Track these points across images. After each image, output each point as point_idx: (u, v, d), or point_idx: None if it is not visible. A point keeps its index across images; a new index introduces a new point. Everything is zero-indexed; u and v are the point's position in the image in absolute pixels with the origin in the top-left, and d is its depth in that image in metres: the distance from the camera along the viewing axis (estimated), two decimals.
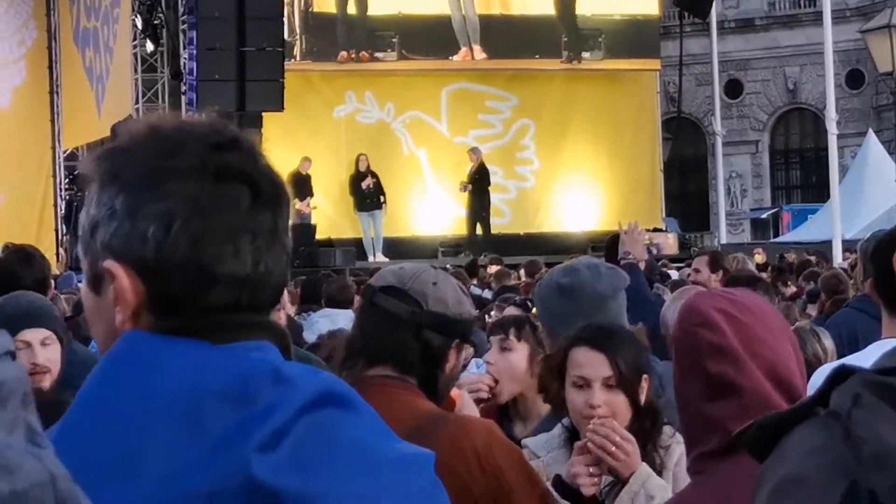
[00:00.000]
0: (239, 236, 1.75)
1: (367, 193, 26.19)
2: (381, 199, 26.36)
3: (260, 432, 1.62)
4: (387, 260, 23.82)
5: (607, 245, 9.20)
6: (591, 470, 3.79)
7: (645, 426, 4.02)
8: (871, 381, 1.62)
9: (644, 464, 3.82)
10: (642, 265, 8.43)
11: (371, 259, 25.28)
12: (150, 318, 1.75)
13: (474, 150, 27.36)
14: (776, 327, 2.90)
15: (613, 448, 3.78)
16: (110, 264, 1.75)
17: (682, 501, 3.05)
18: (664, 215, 31.43)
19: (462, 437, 3.28)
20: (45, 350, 4.87)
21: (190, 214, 1.73)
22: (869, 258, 4.81)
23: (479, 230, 27.06)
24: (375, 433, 1.71)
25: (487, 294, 14.01)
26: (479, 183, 26.94)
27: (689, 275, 11.51)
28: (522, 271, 16.75)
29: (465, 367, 3.80)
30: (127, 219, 1.74)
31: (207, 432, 1.63)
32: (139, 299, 1.75)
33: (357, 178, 26.34)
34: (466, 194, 27.03)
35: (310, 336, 8.28)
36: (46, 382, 4.82)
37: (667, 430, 4.07)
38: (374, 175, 26.31)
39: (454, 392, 3.66)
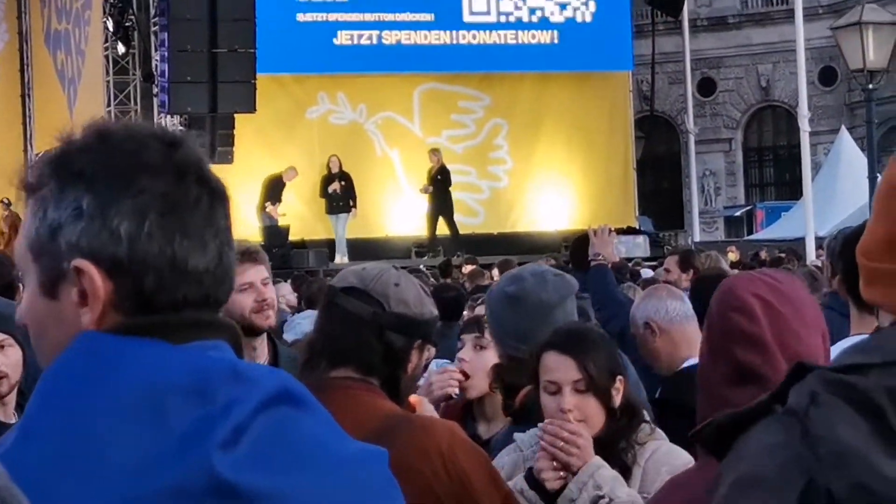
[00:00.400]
0: (205, 231, 1.77)
1: (335, 197, 26.04)
2: (351, 202, 26.13)
3: (222, 429, 1.62)
4: (347, 262, 23.73)
5: (573, 246, 9.18)
6: (554, 465, 3.81)
7: (620, 426, 4.03)
8: (828, 379, 1.63)
9: (597, 456, 3.84)
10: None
11: (337, 260, 25.16)
12: (115, 316, 1.74)
13: (434, 152, 27.15)
14: (810, 319, 2.88)
15: (562, 443, 3.81)
16: (80, 262, 1.73)
17: (685, 482, 3.03)
18: (637, 214, 31.45)
19: (426, 439, 3.28)
20: (1, 354, 4.79)
21: (162, 210, 1.74)
22: (837, 255, 4.82)
23: (443, 231, 26.76)
24: (330, 431, 1.73)
25: None
26: (440, 184, 26.71)
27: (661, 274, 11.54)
28: (496, 271, 16.75)
29: (426, 367, 3.80)
30: (97, 217, 1.73)
31: (171, 427, 1.63)
32: (107, 298, 1.74)
33: (327, 180, 26.20)
34: (428, 196, 26.84)
35: (289, 337, 8.30)
36: (4, 387, 4.77)
37: (645, 427, 4.08)
38: (345, 177, 26.12)
39: (413, 398, 3.67)
